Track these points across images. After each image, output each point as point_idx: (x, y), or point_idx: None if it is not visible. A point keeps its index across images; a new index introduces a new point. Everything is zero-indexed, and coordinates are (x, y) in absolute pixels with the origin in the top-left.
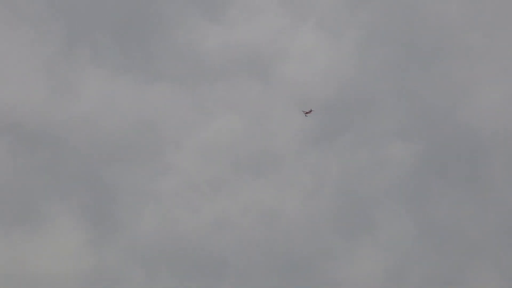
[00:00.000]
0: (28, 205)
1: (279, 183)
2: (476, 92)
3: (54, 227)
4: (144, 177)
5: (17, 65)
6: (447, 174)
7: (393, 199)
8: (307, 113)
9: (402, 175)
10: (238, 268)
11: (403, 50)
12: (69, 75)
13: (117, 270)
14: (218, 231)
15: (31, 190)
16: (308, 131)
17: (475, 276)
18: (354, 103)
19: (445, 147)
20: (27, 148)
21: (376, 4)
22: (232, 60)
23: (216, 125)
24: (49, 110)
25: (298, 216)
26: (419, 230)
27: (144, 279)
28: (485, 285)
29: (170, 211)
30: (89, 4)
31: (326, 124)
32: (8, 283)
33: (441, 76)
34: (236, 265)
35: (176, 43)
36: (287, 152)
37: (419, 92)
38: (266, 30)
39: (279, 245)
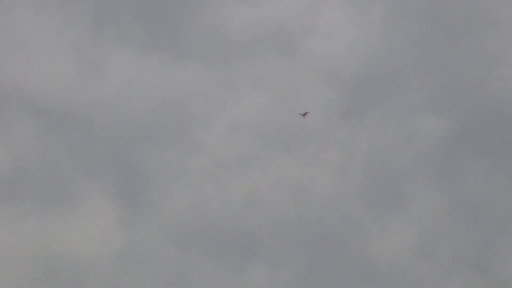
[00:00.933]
0: (59, 186)
1: (308, 159)
2: (506, 64)
3: (85, 207)
4: (174, 156)
5: (45, 48)
6: (477, 147)
7: (424, 174)
8: (303, 114)
9: (432, 149)
10: (268, 245)
11: (431, 22)
12: (96, 56)
13: (148, 249)
14: (248, 208)
15: (62, 171)
16: (336, 106)
17: (509, 250)
18: (382, 77)
19: (475, 120)
20: (58, 130)
21: None
22: (259, 37)
23: (244, 103)
24: (78, 91)
25: (328, 192)
26: (451, 204)
27: (176, 258)
28: None
29: (200, 189)
30: None
31: (354, 99)
32: (40, 263)
33: (471, 48)
34: (266, 242)
35: (202, 21)
36: (316, 128)
37: (448, 65)
38: (292, 6)
39: (309, 221)
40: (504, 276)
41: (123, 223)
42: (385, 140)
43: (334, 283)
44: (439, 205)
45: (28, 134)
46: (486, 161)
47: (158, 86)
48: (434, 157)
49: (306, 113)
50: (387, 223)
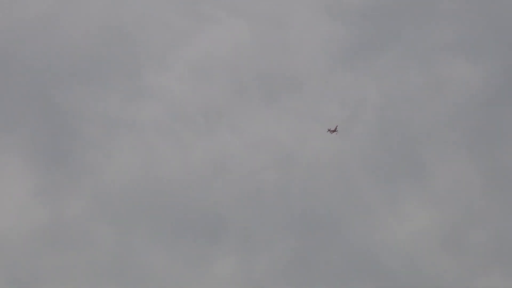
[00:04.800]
0: None
1: (298, 115)
2: None
3: None
4: (116, 104)
5: None
6: None
7: (451, 137)
8: (333, 131)
9: (464, 106)
10: (240, 227)
11: None
12: None
13: (77, 228)
14: (215, 177)
15: None
16: (339, 44)
17: None
18: (400, 6)
19: None
20: None
21: None
22: None
23: (214, 35)
24: None
25: (323, 159)
26: (485, 180)
27: (114, 241)
28: None
29: (151, 150)
30: None
31: (363, 36)
32: None
33: None
34: (237, 223)
35: None
36: (310, 72)
37: None
38: None
39: (296, 197)
40: None
41: (44, 192)
42: (401, 90)
43: (326, 281)
44: (470, 181)
45: None
46: None
47: (97, 8)
48: (466, 116)
49: (336, 128)
50: (399, 202)
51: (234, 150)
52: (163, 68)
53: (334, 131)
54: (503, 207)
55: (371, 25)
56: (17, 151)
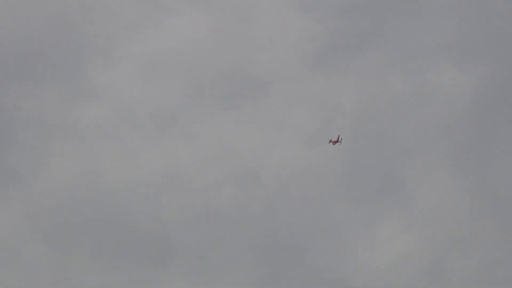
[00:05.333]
0: None
1: (263, 122)
2: None
3: None
4: (54, 105)
5: None
6: None
7: (436, 152)
8: (335, 142)
9: (452, 116)
10: (191, 248)
11: None
12: None
13: (5, 246)
14: (165, 192)
15: None
16: (312, 43)
17: None
18: (385, 3)
19: None
20: None
21: None
22: None
23: (169, 28)
24: None
25: (290, 174)
26: (473, 200)
27: (47, 261)
28: None
29: (92, 159)
30: None
31: (340, 34)
32: None
33: None
34: (188, 244)
35: None
36: (278, 74)
37: None
38: None
39: (257, 215)
40: None
41: None
42: (382, 97)
43: None
44: (456, 201)
45: None
46: None
47: None
48: (453, 128)
49: (339, 139)
50: (376, 224)
51: (187, 161)
52: (109, 65)
53: (337, 141)
54: (492, 230)
55: (349, 22)
56: None
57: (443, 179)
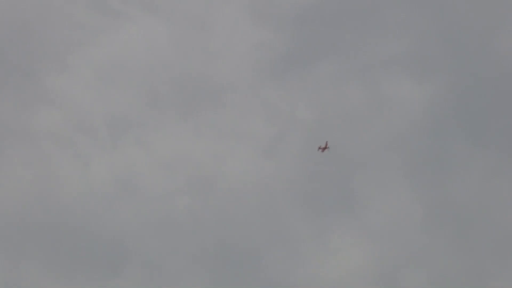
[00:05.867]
0: None
1: (218, 131)
2: None
3: None
4: (6, 110)
5: None
6: (477, 128)
7: (391, 165)
8: (324, 148)
9: (407, 129)
10: (146, 259)
11: None
12: None
13: None
14: (119, 200)
15: None
16: (268, 52)
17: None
18: (342, 13)
19: (476, 88)
20: None
21: None
22: None
23: (125, 35)
24: None
25: (244, 184)
26: (427, 213)
27: None
28: None
29: (44, 165)
30: None
31: (296, 44)
32: None
33: None
34: (143, 255)
35: None
36: (234, 83)
37: (442, 4)
38: None
39: (213, 226)
40: None
41: None
42: (337, 108)
43: None
44: (410, 214)
45: None
46: (489, 150)
47: None
48: (408, 140)
49: (327, 145)
50: (329, 236)
51: (142, 169)
52: (63, 70)
53: (325, 148)
54: (446, 243)
55: (306, 32)
56: None
57: (396, 191)
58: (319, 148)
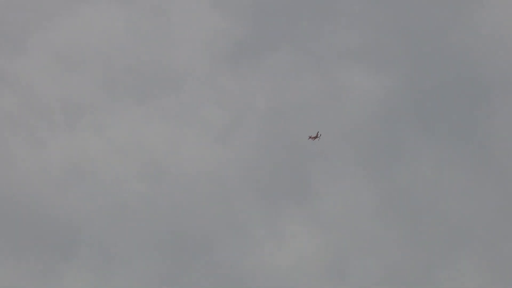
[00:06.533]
0: None
1: (173, 118)
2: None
3: None
4: None
5: None
6: (430, 120)
7: (344, 153)
8: (314, 138)
9: (362, 118)
10: (97, 242)
11: None
12: None
13: None
14: (72, 184)
15: None
16: (225, 40)
17: (462, 273)
18: (299, 3)
19: (430, 81)
20: None
21: None
22: None
23: (82, 18)
24: None
25: (198, 170)
26: (379, 202)
27: None
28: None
29: (0, 146)
30: None
31: (252, 33)
32: None
33: None
34: (94, 238)
35: None
36: (190, 69)
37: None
38: None
39: (165, 211)
40: None
41: None
42: (292, 96)
43: None
44: (362, 202)
45: None
46: (442, 141)
47: None
48: (362, 129)
49: (318, 135)
50: (280, 223)
51: (95, 154)
52: (18, 52)
53: (316, 137)
54: (397, 232)
55: (263, 21)
56: None
57: (350, 181)
58: (310, 137)
